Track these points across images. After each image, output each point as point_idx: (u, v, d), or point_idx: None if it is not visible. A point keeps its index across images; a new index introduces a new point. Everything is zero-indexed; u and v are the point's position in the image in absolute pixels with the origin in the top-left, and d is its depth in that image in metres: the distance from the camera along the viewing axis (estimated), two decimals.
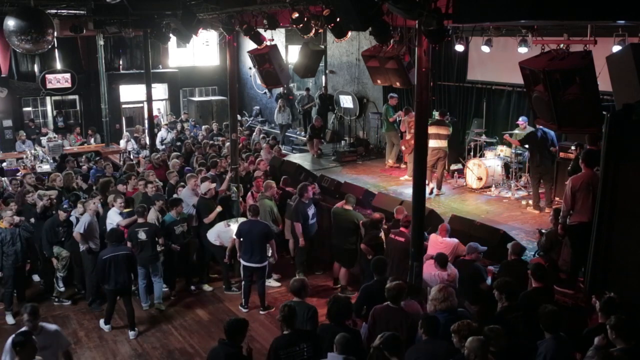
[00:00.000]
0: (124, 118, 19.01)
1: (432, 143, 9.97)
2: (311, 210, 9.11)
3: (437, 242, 7.29)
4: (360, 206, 9.56)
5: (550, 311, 4.77)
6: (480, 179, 10.68)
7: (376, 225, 7.99)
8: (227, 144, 12.42)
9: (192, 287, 9.13)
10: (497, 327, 4.69)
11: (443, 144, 10.45)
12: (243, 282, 8.43)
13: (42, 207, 8.87)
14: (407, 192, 9.84)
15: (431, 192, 10.30)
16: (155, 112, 17.09)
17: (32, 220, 8.83)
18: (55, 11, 12.13)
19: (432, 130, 9.79)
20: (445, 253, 6.91)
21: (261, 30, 9.38)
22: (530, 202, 9.65)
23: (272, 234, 8.40)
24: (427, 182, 9.36)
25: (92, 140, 16.99)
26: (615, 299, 4.98)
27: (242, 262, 8.22)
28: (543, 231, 7.22)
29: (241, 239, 8.16)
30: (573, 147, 9.02)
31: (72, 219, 8.57)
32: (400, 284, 5.53)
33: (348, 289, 8.68)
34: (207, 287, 9.22)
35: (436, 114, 10.89)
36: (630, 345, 4.41)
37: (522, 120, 10.31)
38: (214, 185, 9.40)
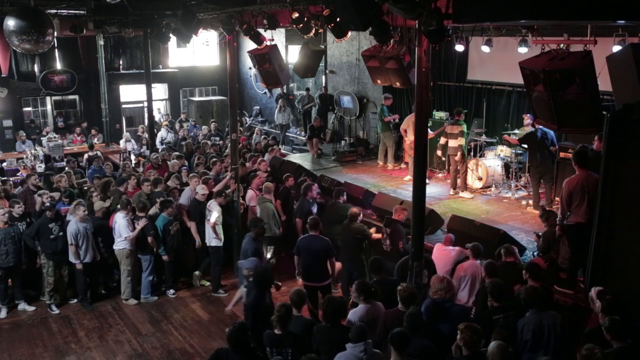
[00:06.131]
0: (124, 118, 19.02)
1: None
2: (314, 210, 9.08)
3: (441, 250, 7.27)
4: (360, 206, 9.54)
5: (529, 288, 5.09)
6: (480, 179, 10.68)
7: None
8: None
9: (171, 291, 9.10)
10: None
11: (453, 142, 10.57)
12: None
13: (41, 204, 8.81)
14: (407, 191, 9.85)
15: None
16: (155, 112, 17.08)
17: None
18: (55, 11, 12.12)
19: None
20: (448, 261, 6.92)
21: (261, 30, 9.37)
22: (531, 202, 9.65)
23: (333, 251, 7.55)
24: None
25: (95, 140, 16.94)
26: (613, 299, 4.97)
27: (301, 282, 7.60)
28: (539, 234, 7.24)
29: (299, 255, 7.53)
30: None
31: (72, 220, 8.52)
32: (410, 287, 5.47)
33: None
34: (205, 282, 9.31)
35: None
36: (627, 344, 4.43)
37: (528, 114, 10.28)
38: (206, 192, 9.30)
